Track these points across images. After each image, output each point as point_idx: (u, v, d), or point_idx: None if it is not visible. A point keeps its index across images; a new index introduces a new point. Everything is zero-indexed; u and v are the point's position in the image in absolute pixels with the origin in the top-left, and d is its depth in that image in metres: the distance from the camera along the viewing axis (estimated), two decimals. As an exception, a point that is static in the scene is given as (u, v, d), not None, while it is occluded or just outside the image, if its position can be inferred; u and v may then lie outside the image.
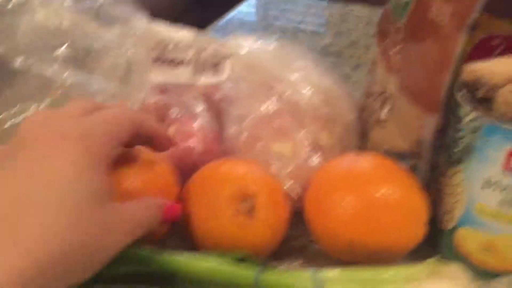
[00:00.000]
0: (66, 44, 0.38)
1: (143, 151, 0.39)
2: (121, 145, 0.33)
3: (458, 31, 0.36)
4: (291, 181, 0.44)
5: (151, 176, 0.38)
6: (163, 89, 0.52)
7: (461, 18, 0.36)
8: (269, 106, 0.46)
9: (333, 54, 0.76)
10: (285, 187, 0.43)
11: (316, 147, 0.46)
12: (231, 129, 0.48)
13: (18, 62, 0.35)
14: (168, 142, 0.38)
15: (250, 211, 0.38)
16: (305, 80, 0.47)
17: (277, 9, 0.94)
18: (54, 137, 0.28)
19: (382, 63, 0.47)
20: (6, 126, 0.35)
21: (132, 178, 0.37)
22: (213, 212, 0.38)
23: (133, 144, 0.36)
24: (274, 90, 0.46)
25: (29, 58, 0.35)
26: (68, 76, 0.37)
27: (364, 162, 0.39)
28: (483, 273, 0.39)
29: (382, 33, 0.47)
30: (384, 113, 0.46)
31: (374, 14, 0.88)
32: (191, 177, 0.42)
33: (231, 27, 0.86)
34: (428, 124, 0.41)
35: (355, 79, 0.69)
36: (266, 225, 0.38)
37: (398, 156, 0.46)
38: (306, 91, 0.46)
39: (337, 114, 0.47)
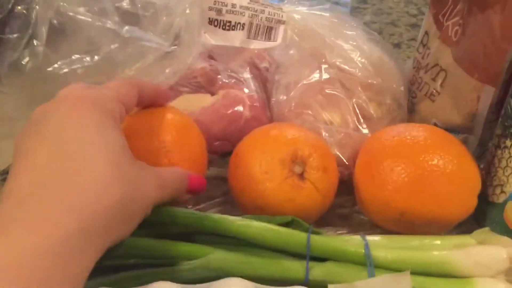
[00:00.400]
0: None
1: (179, 114, 0.39)
2: (130, 108, 0.33)
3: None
4: (340, 148, 0.43)
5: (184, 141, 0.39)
6: (210, 55, 0.52)
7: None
8: (319, 74, 0.46)
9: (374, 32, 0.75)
10: (334, 153, 0.43)
11: (365, 117, 0.45)
12: (280, 97, 0.47)
13: (80, 12, 0.35)
14: (168, 95, 0.40)
15: (302, 174, 0.38)
16: (357, 49, 0.46)
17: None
18: (72, 105, 0.29)
19: (437, 35, 0.46)
20: (61, 72, 0.36)
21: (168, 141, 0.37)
22: (266, 174, 0.38)
23: (140, 105, 0.37)
24: (326, 58, 0.46)
25: (90, 9, 0.35)
26: (127, 30, 0.37)
27: (417, 131, 0.39)
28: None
29: (438, 3, 0.46)
30: (436, 86, 0.45)
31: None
32: (238, 142, 0.42)
33: None
34: (486, 96, 0.40)
35: (396, 57, 0.68)
36: (318, 188, 0.38)
37: (447, 130, 0.45)
38: (358, 61, 0.46)
39: (387, 86, 0.47)
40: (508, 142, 0.38)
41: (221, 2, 0.41)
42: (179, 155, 0.38)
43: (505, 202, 0.39)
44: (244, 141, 0.41)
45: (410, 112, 0.49)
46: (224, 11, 0.41)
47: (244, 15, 0.42)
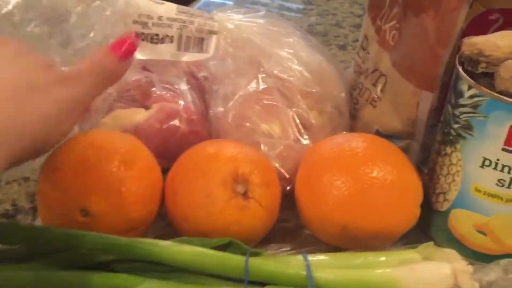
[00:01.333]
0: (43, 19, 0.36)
1: (121, 151, 0.37)
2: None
3: (460, 4, 0.35)
4: (280, 162, 0.42)
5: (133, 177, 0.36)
6: (145, 66, 0.49)
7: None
8: (257, 84, 0.44)
9: (319, 34, 0.74)
10: (275, 167, 0.41)
11: (305, 127, 0.44)
12: (217, 109, 0.45)
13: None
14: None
15: (246, 193, 0.36)
16: (295, 57, 0.44)
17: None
18: None
19: (375, 39, 0.45)
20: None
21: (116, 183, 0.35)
22: (208, 197, 0.35)
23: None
24: (263, 67, 0.44)
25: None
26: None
27: (356, 142, 0.37)
28: (478, 256, 0.38)
29: (375, 7, 0.45)
30: (377, 91, 0.44)
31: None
32: (176, 159, 0.40)
33: (214, 5, 0.83)
34: (424, 102, 0.39)
35: (342, 59, 0.67)
36: (263, 206, 0.36)
37: (389, 136, 0.44)
38: (296, 69, 0.44)
39: (327, 93, 0.45)
40: (448, 149, 0.37)
41: (146, 15, 0.38)
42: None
43: (449, 210, 0.38)
44: (179, 163, 0.38)
45: (353, 119, 0.48)
46: (150, 24, 0.39)
47: (172, 27, 0.39)
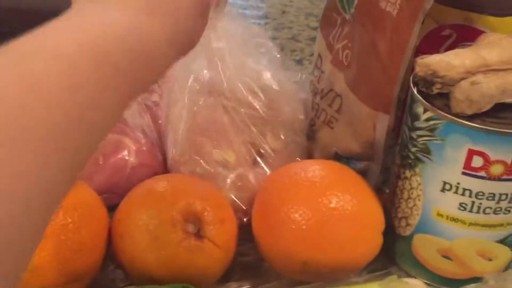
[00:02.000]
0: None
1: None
2: None
3: (412, 22, 0.33)
4: (236, 192, 0.39)
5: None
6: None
7: (415, 8, 0.33)
8: (208, 107, 0.42)
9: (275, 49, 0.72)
10: (230, 199, 0.39)
11: (260, 154, 0.42)
12: (168, 137, 0.43)
13: None
14: None
15: (198, 232, 0.34)
16: (246, 77, 0.42)
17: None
18: None
19: (328, 58, 0.43)
20: None
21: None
22: (156, 241, 0.33)
23: None
24: (214, 89, 0.42)
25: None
26: None
27: (313, 171, 0.35)
28: (444, 281, 0.37)
29: (327, 25, 0.43)
30: (333, 113, 0.42)
31: (315, 6, 0.85)
32: (124, 197, 0.37)
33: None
34: (381, 124, 0.38)
35: (298, 75, 0.66)
36: (218, 245, 0.34)
37: (349, 158, 0.42)
38: (248, 90, 0.42)
39: (284, 116, 0.43)
40: (407, 173, 0.36)
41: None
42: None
43: (412, 235, 0.37)
44: (126, 202, 0.36)
45: (311, 140, 0.46)
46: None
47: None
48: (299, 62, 0.70)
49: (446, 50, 0.39)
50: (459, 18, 0.38)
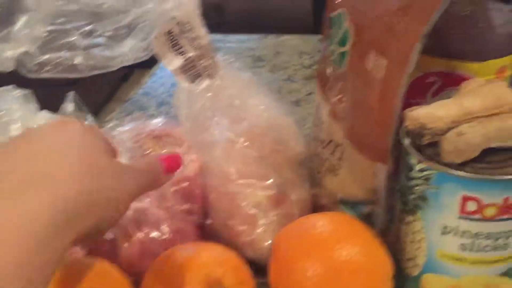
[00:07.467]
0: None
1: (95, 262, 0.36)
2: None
3: (397, 80, 0.36)
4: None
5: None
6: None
7: (399, 69, 0.36)
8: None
9: (272, 91, 0.75)
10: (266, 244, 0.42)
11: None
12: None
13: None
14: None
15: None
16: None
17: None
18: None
19: (326, 109, 0.46)
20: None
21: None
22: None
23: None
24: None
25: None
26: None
27: (322, 225, 0.38)
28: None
29: (322, 77, 0.46)
30: (336, 161, 0.45)
31: (307, 43, 0.88)
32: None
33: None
34: (380, 172, 0.40)
35: (299, 116, 0.68)
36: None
37: (354, 203, 0.45)
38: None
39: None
40: (410, 218, 0.38)
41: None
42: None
43: (420, 275, 0.39)
44: (150, 275, 0.38)
45: (317, 187, 0.48)
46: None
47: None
48: (296, 103, 0.72)
49: (433, 95, 0.42)
50: (442, 66, 0.41)
